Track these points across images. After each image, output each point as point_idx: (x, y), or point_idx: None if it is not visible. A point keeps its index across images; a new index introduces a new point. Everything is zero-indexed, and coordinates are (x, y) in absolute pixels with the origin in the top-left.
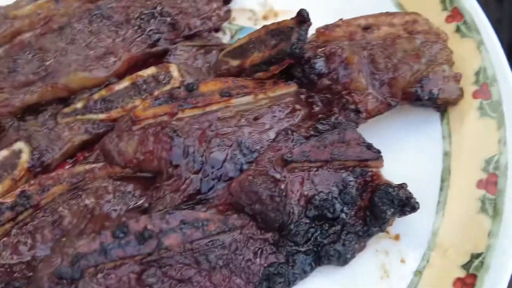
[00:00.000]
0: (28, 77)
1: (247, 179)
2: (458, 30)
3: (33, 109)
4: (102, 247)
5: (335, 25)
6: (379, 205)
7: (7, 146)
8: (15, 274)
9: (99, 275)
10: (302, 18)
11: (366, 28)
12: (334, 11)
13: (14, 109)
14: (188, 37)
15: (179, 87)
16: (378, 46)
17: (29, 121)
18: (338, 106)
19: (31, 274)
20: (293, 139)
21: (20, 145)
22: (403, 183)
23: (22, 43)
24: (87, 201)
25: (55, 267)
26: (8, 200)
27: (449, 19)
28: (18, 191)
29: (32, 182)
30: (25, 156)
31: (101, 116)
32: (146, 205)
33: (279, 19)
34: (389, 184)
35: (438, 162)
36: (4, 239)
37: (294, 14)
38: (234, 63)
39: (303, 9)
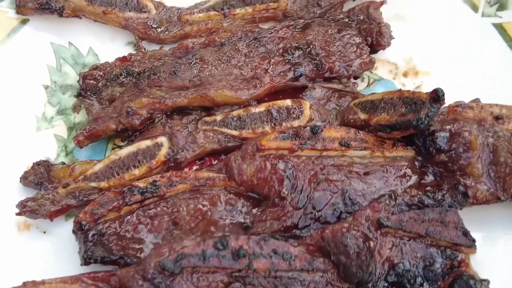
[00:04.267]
0: (184, 82)
1: (340, 229)
2: None
3: (180, 110)
4: (203, 253)
5: (468, 106)
6: None
7: (152, 137)
8: (128, 251)
9: (194, 276)
10: (437, 97)
11: (498, 118)
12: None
13: (166, 107)
14: (327, 79)
15: (303, 126)
16: (505, 139)
17: (175, 120)
18: (448, 184)
19: (139, 253)
20: (394, 204)
21: (162, 139)
22: (487, 280)
23: (187, 47)
24: (202, 205)
25: (162, 258)
26: (141, 184)
27: None
28: (151, 179)
29: (163, 174)
30: (164, 150)
31: (234, 132)
32: (249, 223)
33: (418, 78)
34: (472, 276)
35: None
36: (128, 217)
37: (434, 78)
38: (362, 116)
39: (440, 88)
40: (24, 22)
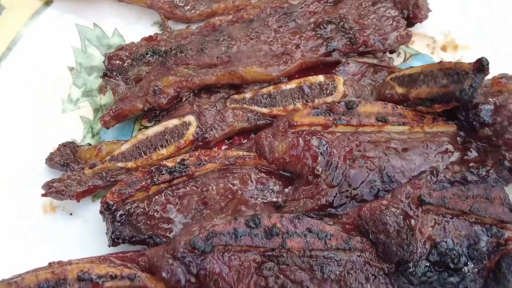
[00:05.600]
0: (212, 60)
1: (379, 207)
2: None
3: (208, 89)
4: (235, 231)
5: None
6: (504, 271)
7: (179, 116)
8: (157, 230)
9: (226, 254)
10: (481, 66)
11: None
12: None
13: (193, 85)
14: (362, 54)
15: (338, 102)
16: None
17: (203, 98)
18: (493, 160)
19: (168, 233)
20: (436, 181)
21: (190, 118)
22: None
23: (214, 25)
24: (232, 184)
25: (193, 237)
26: (169, 164)
27: None
28: (179, 158)
29: (191, 153)
30: (192, 129)
31: (264, 110)
32: (281, 202)
33: (458, 53)
34: None
35: None
36: (157, 197)
37: (474, 52)
38: (399, 90)
39: (484, 58)
40: (48, 3)
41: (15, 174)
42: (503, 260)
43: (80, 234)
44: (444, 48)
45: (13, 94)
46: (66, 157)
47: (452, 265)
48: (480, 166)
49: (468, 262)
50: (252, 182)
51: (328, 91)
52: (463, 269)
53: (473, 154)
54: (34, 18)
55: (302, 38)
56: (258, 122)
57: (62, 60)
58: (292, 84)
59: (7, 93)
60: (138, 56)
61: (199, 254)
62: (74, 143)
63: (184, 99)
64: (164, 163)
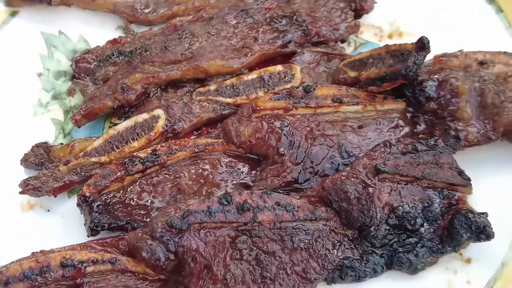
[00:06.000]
0: (176, 56)
1: (340, 178)
2: None
3: (174, 84)
4: (209, 209)
5: (453, 55)
6: (457, 227)
7: (148, 110)
8: (134, 216)
9: (202, 231)
10: (422, 45)
11: (482, 63)
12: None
13: (160, 81)
14: (316, 44)
15: (297, 87)
16: (490, 82)
17: (170, 93)
18: (440, 130)
19: (145, 218)
20: (389, 152)
21: (159, 112)
22: (485, 212)
23: (175, 25)
24: (203, 169)
25: (169, 217)
26: (142, 155)
27: None
28: (150, 149)
29: (162, 144)
30: (161, 122)
31: (229, 100)
32: (250, 182)
33: (403, 39)
34: (470, 210)
35: None
36: (132, 186)
37: (417, 37)
38: (352, 74)
39: (424, 36)
40: (13, 14)
41: None
42: (455, 218)
43: (59, 229)
44: (390, 36)
45: None
46: (40, 156)
47: (409, 227)
48: (429, 137)
49: (424, 223)
50: (222, 166)
51: (287, 79)
52: (420, 230)
53: (421, 126)
54: (1, 29)
55: (260, 32)
56: (223, 112)
57: (30, 67)
58: (253, 75)
59: None
60: (104, 57)
61: (176, 233)
62: (47, 143)
63: (152, 94)
64: (136, 154)
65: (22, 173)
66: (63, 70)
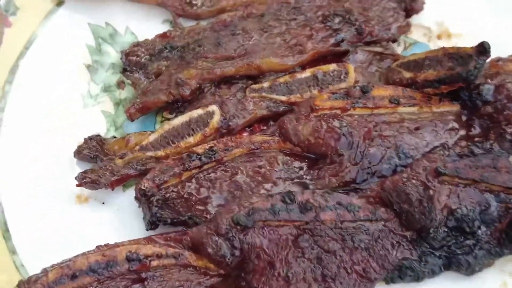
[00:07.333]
0: (229, 52)
1: (401, 179)
2: None
3: (227, 80)
4: (273, 207)
5: (508, 60)
6: None
7: (203, 106)
8: (194, 211)
9: (266, 229)
10: (483, 49)
11: None
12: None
13: (214, 77)
14: (368, 43)
15: (353, 87)
16: None
17: (224, 89)
18: (495, 134)
19: (204, 214)
20: (448, 154)
21: (213, 108)
22: None
23: (225, 21)
24: (260, 166)
25: (235, 214)
26: (199, 150)
27: None
28: (207, 145)
29: (219, 141)
30: (216, 118)
31: (283, 97)
32: (307, 181)
33: (452, 40)
34: None
35: None
36: (190, 182)
37: (465, 39)
38: (407, 74)
39: (486, 41)
40: (59, 4)
41: (45, 169)
42: None
43: (115, 222)
44: (439, 37)
45: (33, 91)
46: (94, 149)
47: (467, 229)
48: (484, 140)
49: (481, 226)
50: (279, 164)
51: (341, 78)
52: (477, 232)
53: (476, 130)
54: (47, 18)
55: (313, 30)
56: (277, 110)
57: (78, 58)
58: (307, 73)
59: (28, 89)
60: (156, 51)
61: (241, 230)
62: (100, 136)
63: (206, 90)
64: (194, 150)
65: (74, 165)
66: (111, 62)
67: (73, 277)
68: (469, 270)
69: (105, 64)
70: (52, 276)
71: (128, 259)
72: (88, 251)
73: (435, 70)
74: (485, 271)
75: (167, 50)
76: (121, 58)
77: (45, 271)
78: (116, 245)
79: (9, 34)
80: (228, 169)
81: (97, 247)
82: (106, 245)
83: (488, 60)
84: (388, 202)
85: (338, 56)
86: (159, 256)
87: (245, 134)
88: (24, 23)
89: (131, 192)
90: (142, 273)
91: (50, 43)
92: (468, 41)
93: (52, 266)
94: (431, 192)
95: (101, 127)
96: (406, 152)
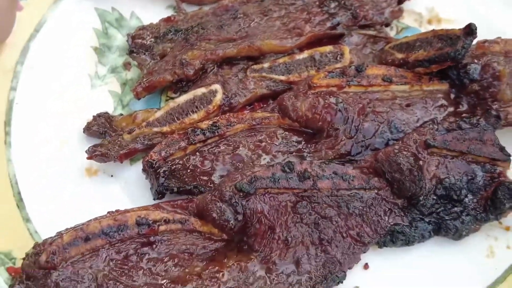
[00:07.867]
0: (231, 35)
1: (393, 151)
2: None
3: (229, 61)
4: (273, 175)
5: (494, 41)
6: (500, 197)
7: (206, 85)
8: (199, 182)
9: (266, 196)
10: (470, 31)
11: None
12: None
13: (217, 58)
14: (362, 27)
15: (350, 66)
16: None
17: (226, 69)
18: (482, 110)
19: (209, 184)
20: (437, 129)
21: (216, 86)
22: None
23: (226, 6)
24: (260, 140)
25: (237, 181)
26: (203, 126)
27: None
28: (211, 121)
29: (222, 117)
30: (219, 96)
31: (282, 77)
32: (305, 154)
33: (441, 25)
34: None
35: None
36: (194, 155)
37: (455, 24)
38: (399, 55)
39: (473, 23)
40: None
41: (56, 145)
42: (499, 188)
43: (123, 193)
44: (429, 22)
45: (43, 72)
46: (102, 125)
47: (455, 197)
48: (471, 116)
49: (468, 194)
50: (278, 139)
51: (337, 59)
52: (464, 200)
53: (464, 106)
54: (56, 3)
55: (310, 14)
56: (276, 88)
57: (86, 41)
58: (305, 54)
59: (38, 70)
60: (161, 34)
61: (243, 196)
62: (108, 113)
63: (208, 70)
64: (198, 125)
65: (84, 142)
66: (117, 45)
67: (86, 239)
68: (457, 234)
69: (112, 47)
70: (67, 238)
71: (138, 224)
72: (100, 216)
73: (425, 51)
74: (471, 236)
75: (171, 33)
76: (127, 41)
77: (59, 234)
78: (127, 210)
79: (21, 17)
80: (230, 143)
81: (109, 212)
82: (117, 211)
83: (475, 42)
84: (380, 172)
85: (334, 39)
86: (166, 222)
87: (246, 111)
88: (34, 7)
89: (138, 166)
90: (151, 237)
91: (59, 26)
92: (457, 26)
93: (66, 229)
94: (421, 162)
95: (108, 106)
96: (398, 127)
